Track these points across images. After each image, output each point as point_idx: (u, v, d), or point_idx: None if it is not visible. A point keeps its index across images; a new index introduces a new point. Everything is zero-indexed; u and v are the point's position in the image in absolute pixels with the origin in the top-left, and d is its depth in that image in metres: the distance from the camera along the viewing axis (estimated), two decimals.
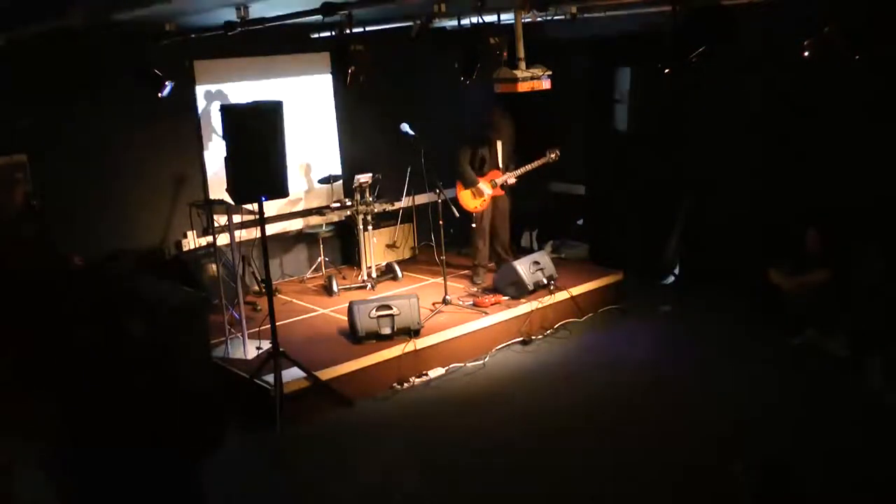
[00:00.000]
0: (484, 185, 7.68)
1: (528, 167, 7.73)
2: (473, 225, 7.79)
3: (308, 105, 8.24)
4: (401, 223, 8.71)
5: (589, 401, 5.81)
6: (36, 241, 6.20)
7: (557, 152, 7.66)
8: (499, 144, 7.72)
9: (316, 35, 7.64)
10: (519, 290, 7.16)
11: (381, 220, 8.42)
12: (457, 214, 7.59)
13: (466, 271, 8.02)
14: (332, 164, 8.45)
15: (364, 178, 7.75)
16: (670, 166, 8.22)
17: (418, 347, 6.32)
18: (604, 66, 8.70)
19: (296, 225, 8.31)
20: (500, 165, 7.75)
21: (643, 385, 5.99)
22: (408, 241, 8.89)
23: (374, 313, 6.28)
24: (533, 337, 7.00)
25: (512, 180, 7.78)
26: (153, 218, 7.45)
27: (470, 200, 7.67)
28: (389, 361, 6.18)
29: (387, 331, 6.29)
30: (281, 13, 5.68)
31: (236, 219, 6.35)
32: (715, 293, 7.53)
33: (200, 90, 7.59)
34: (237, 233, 6.46)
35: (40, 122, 6.63)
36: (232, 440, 5.33)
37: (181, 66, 7.27)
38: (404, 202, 8.57)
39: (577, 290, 7.44)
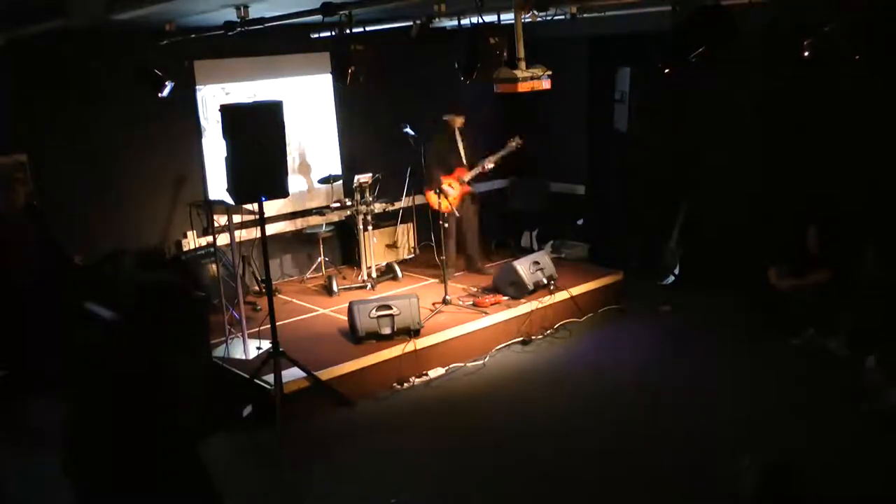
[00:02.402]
0: (447, 186, 7.65)
1: (493, 158, 7.70)
2: (445, 225, 7.74)
3: (308, 105, 8.24)
4: (401, 223, 8.71)
5: (589, 401, 5.81)
6: (40, 241, 6.21)
7: (519, 139, 7.64)
8: (459, 141, 7.73)
9: (316, 35, 7.64)
10: (519, 290, 7.16)
11: (381, 220, 8.42)
12: (457, 214, 7.60)
13: (459, 273, 8.02)
14: (332, 164, 8.45)
15: (364, 178, 7.75)
16: (670, 166, 8.23)
17: (418, 347, 6.32)
18: (604, 66, 8.70)
19: (296, 225, 8.31)
20: (465, 163, 7.76)
21: (643, 385, 5.99)
22: (408, 241, 8.89)
23: (374, 313, 6.28)
24: (533, 337, 7.00)
25: (489, 165, 7.72)
26: (153, 218, 7.45)
27: (436, 201, 7.57)
28: (389, 361, 6.18)
29: (387, 331, 6.29)
30: (281, 13, 5.68)
31: (236, 219, 6.34)
32: (715, 293, 7.53)
33: (200, 90, 7.59)
34: (237, 233, 6.46)
35: (41, 122, 6.63)
36: (231, 440, 5.35)
37: (181, 66, 7.26)
38: (404, 202, 8.57)
39: (577, 290, 7.44)
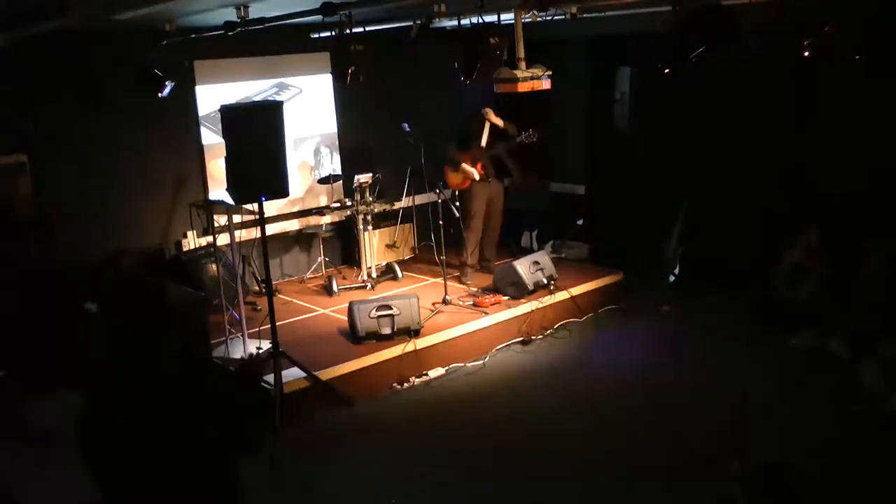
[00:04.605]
0: (468, 166, 7.74)
1: (507, 146, 7.81)
2: (470, 222, 7.75)
3: (308, 105, 8.24)
4: (401, 223, 8.71)
5: (588, 401, 5.81)
6: (41, 242, 6.22)
7: (531, 131, 7.71)
8: (486, 131, 7.80)
9: (316, 35, 7.64)
10: (519, 290, 7.15)
11: (381, 220, 8.42)
12: (457, 214, 7.60)
13: (456, 273, 8.02)
14: (332, 164, 8.45)
15: (364, 178, 7.76)
16: (670, 166, 8.23)
17: (418, 347, 6.32)
18: (604, 65, 8.70)
19: (296, 225, 8.31)
20: (483, 147, 7.85)
21: (643, 385, 5.99)
22: (408, 241, 8.89)
23: (374, 313, 6.28)
24: (533, 337, 7.00)
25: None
26: (153, 218, 7.44)
27: (453, 176, 7.75)
28: (389, 361, 6.18)
29: (387, 331, 6.29)
30: (281, 13, 5.68)
31: (236, 219, 6.34)
32: (715, 293, 7.52)
33: (200, 90, 7.59)
34: (237, 233, 6.46)
35: (41, 122, 6.63)
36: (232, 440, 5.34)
37: (181, 66, 7.26)
38: (404, 202, 8.57)
39: (577, 290, 7.44)
